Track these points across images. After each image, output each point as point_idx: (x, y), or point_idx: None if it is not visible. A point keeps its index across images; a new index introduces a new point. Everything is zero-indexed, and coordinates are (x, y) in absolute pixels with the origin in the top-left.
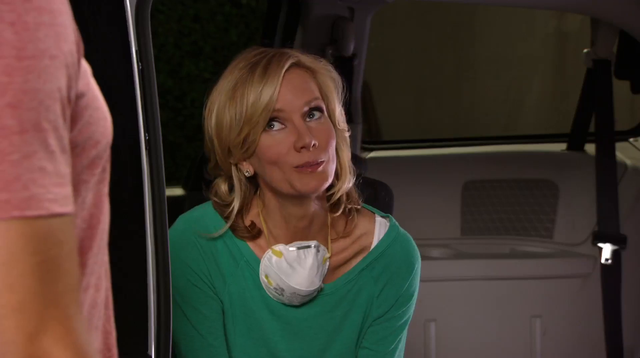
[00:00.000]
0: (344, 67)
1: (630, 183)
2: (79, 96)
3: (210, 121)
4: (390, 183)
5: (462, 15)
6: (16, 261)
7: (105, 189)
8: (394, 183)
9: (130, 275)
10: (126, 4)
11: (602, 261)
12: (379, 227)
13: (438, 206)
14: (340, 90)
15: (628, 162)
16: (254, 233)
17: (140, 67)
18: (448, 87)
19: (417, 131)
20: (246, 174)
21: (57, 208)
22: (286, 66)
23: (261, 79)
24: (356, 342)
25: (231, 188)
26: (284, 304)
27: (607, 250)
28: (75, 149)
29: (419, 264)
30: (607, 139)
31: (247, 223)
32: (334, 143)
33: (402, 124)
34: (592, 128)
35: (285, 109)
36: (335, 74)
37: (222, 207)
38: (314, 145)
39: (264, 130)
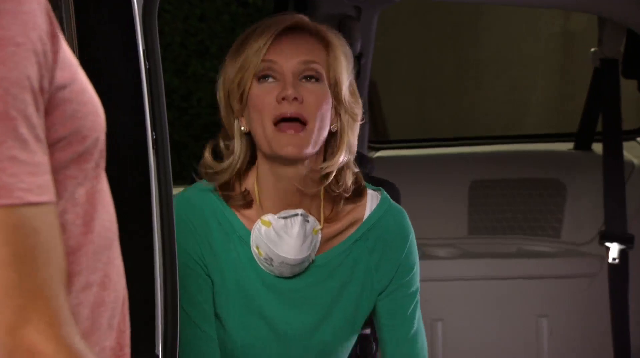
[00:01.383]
0: None
1: (638, 182)
2: (59, 88)
3: (220, 77)
4: (397, 183)
5: (467, 15)
6: None
7: (102, 186)
8: (401, 182)
9: (137, 274)
10: (133, 4)
11: (610, 260)
12: (371, 199)
13: (445, 206)
14: (352, 67)
15: (635, 161)
16: (248, 200)
17: (148, 67)
18: (452, 87)
19: (420, 130)
20: (242, 130)
21: (32, 197)
22: (289, 23)
23: (263, 30)
24: (354, 315)
25: (217, 157)
26: (277, 276)
27: (614, 250)
28: (60, 142)
29: (412, 235)
30: (615, 138)
31: (242, 189)
32: (325, 111)
33: (405, 124)
34: (599, 127)
35: (278, 61)
36: (348, 50)
37: (215, 175)
38: (295, 98)
39: (258, 81)
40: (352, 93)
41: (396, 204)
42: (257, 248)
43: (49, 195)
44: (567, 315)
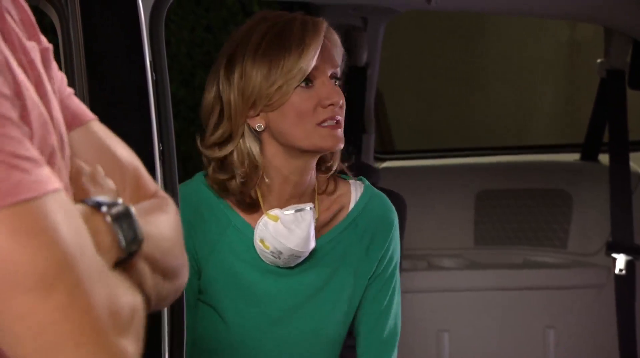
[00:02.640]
0: (357, 77)
1: None
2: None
3: (232, 77)
4: (404, 193)
5: (473, 25)
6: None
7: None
8: (407, 193)
9: None
10: (140, 15)
11: (616, 271)
12: (355, 187)
13: (451, 216)
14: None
15: None
16: (252, 195)
17: (155, 78)
18: (458, 97)
19: (426, 141)
20: (257, 129)
21: (49, 186)
22: (323, 32)
23: (302, 38)
24: (347, 301)
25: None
26: (277, 266)
27: (621, 261)
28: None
29: (397, 218)
30: (621, 149)
31: (247, 195)
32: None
33: (411, 133)
34: (606, 138)
35: (319, 66)
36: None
37: (221, 173)
38: (340, 104)
39: (299, 87)
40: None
41: (377, 190)
42: (262, 241)
43: (58, 183)
44: (573, 326)
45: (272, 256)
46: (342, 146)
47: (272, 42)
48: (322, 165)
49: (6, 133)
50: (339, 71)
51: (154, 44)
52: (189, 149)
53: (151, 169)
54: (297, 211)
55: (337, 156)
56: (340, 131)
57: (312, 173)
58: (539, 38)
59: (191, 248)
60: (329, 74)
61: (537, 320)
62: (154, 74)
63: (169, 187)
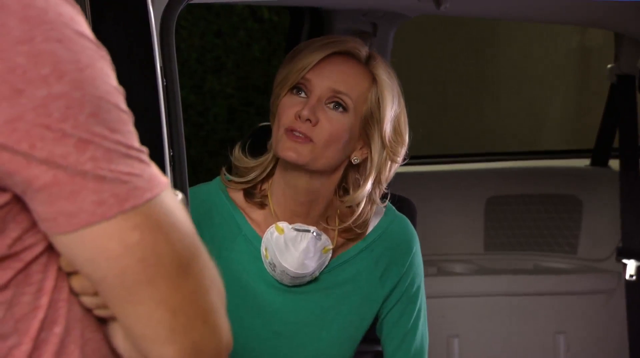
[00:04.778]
0: None
1: None
2: None
3: None
4: (413, 199)
5: (483, 31)
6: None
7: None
8: (417, 198)
9: None
10: (151, 21)
11: (627, 277)
12: (377, 209)
13: (461, 222)
14: (398, 103)
15: None
16: (263, 201)
17: (165, 84)
18: (468, 103)
19: (436, 146)
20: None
21: (158, 189)
22: (341, 48)
23: (314, 48)
24: (354, 325)
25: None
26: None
27: (631, 266)
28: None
29: (417, 245)
30: (631, 154)
31: (261, 189)
32: (340, 139)
33: (422, 139)
34: (616, 144)
35: (312, 80)
36: (395, 87)
37: (245, 171)
38: (308, 120)
39: (291, 92)
40: (395, 131)
41: (400, 214)
42: (266, 250)
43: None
44: (584, 332)
45: (269, 267)
46: (295, 160)
47: (298, 51)
48: (341, 192)
49: (130, 129)
50: (343, 98)
51: (165, 50)
52: (199, 154)
53: None
54: (299, 230)
55: (364, 215)
56: (307, 148)
57: (321, 197)
58: (549, 43)
59: None
60: (325, 92)
61: (547, 326)
62: (164, 80)
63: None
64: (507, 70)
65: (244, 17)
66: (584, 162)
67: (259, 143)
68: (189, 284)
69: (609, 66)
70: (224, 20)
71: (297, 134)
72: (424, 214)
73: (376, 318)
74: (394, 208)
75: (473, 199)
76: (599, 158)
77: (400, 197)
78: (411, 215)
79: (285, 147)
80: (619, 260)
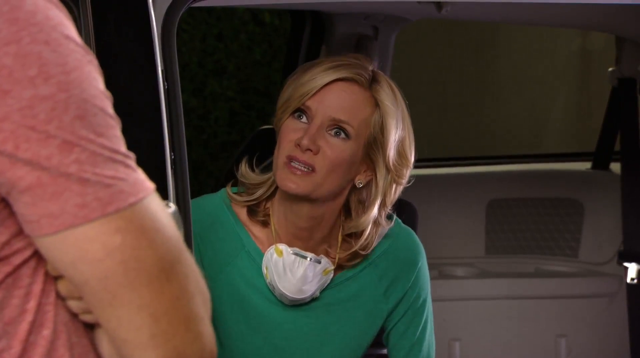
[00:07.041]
0: None
1: None
2: None
3: None
4: (414, 202)
5: (484, 34)
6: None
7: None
8: (418, 201)
9: None
10: (152, 24)
11: (628, 280)
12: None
13: (462, 225)
14: (402, 127)
15: None
16: (266, 219)
17: (167, 87)
18: (470, 105)
19: (438, 148)
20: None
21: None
22: (344, 75)
23: (317, 72)
24: (357, 340)
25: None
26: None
27: (632, 270)
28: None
29: (423, 259)
30: (633, 157)
31: (265, 207)
32: (343, 166)
33: (423, 142)
34: (617, 147)
35: (313, 108)
36: (399, 111)
37: (250, 187)
38: (308, 149)
39: (293, 116)
40: (400, 154)
41: (405, 226)
42: (266, 269)
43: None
44: (585, 335)
45: (269, 286)
46: (294, 191)
47: (304, 71)
48: (345, 215)
49: (116, 134)
50: (344, 126)
51: (166, 53)
52: (200, 157)
53: (163, 178)
54: (297, 255)
55: (370, 238)
56: (308, 179)
57: (324, 222)
58: (551, 46)
59: (198, 261)
60: (325, 121)
61: (548, 329)
62: (165, 83)
63: (181, 196)
64: (508, 72)
65: (245, 20)
66: (585, 165)
67: (260, 146)
68: (172, 290)
69: (610, 69)
70: (225, 23)
71: (296, 165)
72: (425, 218)
73: (382, 329)
74: (399, 220)
75: (474, 203)
76: (601, 161)
77: (401, 200)
78: (412, 218)
79: (284, 178)
80: (620, 264)
